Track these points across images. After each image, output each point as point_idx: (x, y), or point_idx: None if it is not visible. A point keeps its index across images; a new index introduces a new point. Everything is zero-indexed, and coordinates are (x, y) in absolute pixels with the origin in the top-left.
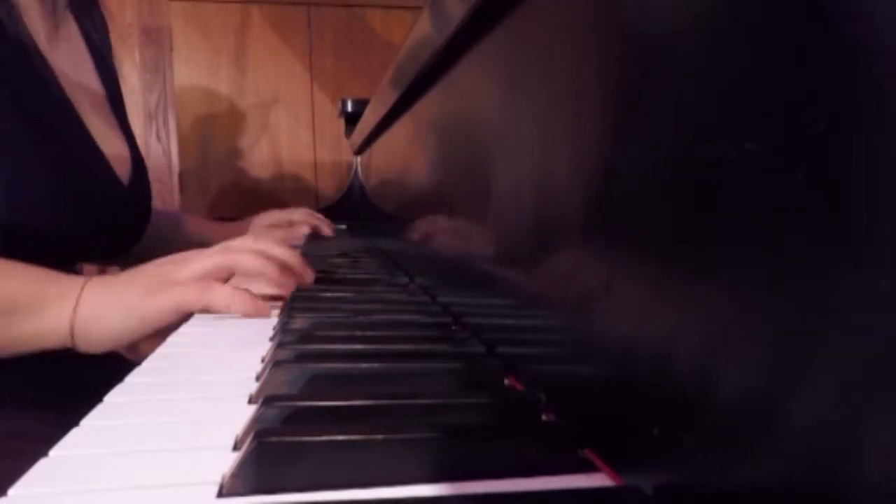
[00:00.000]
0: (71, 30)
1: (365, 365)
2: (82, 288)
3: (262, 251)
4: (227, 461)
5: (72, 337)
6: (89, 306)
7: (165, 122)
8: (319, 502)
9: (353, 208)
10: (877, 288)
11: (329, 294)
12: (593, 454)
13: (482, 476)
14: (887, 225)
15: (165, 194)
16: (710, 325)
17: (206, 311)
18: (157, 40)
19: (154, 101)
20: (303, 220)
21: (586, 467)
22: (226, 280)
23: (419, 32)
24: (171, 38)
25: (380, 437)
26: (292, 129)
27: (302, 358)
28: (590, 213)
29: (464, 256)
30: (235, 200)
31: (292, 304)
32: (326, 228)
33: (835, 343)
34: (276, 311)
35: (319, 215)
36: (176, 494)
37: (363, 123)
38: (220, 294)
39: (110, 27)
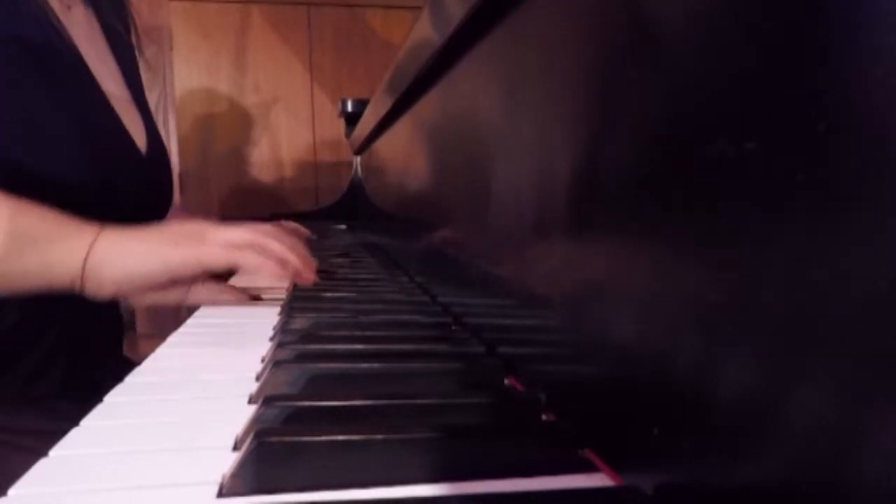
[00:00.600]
0: (81, 10)
1: (365, 365)
2: (102, 228)
3: (288, 243)
4: (227, 461)
5: (82, 275)
6: (107, 244)
7: (165, 122)
8: (319, 502)
9: (353, 208)
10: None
11: (329, 294)
12: (593, 454)
13: (482, 476)
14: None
15: None
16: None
17: (229, 268)
18: (157, 40)
19: (154, 101)
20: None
21: (586, 467)
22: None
23: (419, 33)
24: (171, 38)
25: (380, 437)
26: (292, 129)
27: (302, 358)
28: (585, 210)
29: (463, 256)
30: (235, 200)
31: (292, 304)
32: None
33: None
34: (276, 311)
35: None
36: (176, 494)
37: (363, 123)
38: (250, 256)
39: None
